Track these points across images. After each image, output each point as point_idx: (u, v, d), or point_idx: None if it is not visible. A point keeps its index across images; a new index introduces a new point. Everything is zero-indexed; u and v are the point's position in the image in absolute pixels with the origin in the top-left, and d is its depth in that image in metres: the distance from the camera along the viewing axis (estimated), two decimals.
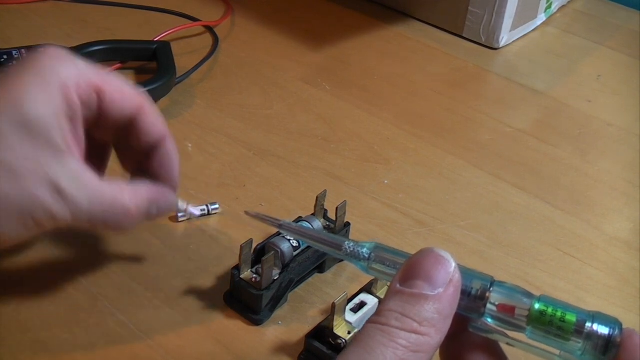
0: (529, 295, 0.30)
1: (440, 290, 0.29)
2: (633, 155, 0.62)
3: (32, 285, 0.44)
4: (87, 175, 0.37)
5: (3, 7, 0.72)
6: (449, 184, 0.56)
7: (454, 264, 0.30)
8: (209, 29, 0.73)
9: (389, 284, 0.31)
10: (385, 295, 0.30)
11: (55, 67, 0.37)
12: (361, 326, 0.41)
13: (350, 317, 0.41)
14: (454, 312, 0.29)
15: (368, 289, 0.43)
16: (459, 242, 0.51)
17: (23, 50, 0.59)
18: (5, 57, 0.57)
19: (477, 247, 0.50)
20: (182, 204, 0.46)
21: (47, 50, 0.38)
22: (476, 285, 0.30)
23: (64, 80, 0.37)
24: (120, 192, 0.39)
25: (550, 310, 0.29)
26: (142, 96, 0.41)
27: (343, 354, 0.28)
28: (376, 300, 0.42)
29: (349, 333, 0.40)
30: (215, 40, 0.70)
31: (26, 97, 0.35)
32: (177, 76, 0.63)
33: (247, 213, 0.38)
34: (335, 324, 0.40)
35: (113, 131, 0.41)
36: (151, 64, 0.64)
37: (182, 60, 0.65)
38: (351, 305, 0.42)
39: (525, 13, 0.76)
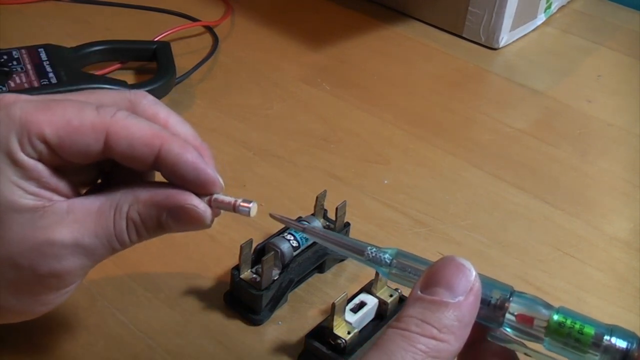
0: (548, 306, 0.30)
1: (461, 298, 0.29)
2: (633, 155, 0.62)
3: None
4: (78, 208, 0.33)
5: (3, 7, 0.72)
6: (449, 184, 0.56)
7: (474, 273, 0.30)
8: (209, 29, 0.73)
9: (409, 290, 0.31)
10: (406, 302, 0.30)
11: None
12: (361, 326, 0.42)
13: (350, 317, 0.41)
14: (473, 321, 0.29)
15: (368, 289, 0.43)
16: (459, 242, 0.51)
17: (23, 50, 0.59)
18: (5, 57, 0.57)
19: (477, 247, 0.51)
20: (229, 199, 0.36)
21: None
22: (496, 295, 0.31)
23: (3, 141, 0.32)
24: (119, 205, 0.34)
25: (568, 322, 0.30)
26: (105, 115, 0.33)
27: (363, 357, 0.28)
28: (376, 300, 0.42)
29: (349, 333, 0.40)
30: (215, 40, 0.71)
31: None
32: (177, 76, 0.63)
33: (271, 215, 0.38)
34: (335, 324, 0.40)
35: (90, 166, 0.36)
36: (151, 64, 0.64)
37: (182, 60, 0.65)
38: (351, 305, 0.42)
39: (525, 13, 0.76)
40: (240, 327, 0.43)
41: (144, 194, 0.34)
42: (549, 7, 0.80)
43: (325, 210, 0.48)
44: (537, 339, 0.30)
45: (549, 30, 0.80)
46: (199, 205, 0.34)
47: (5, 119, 0.32)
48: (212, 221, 0.35)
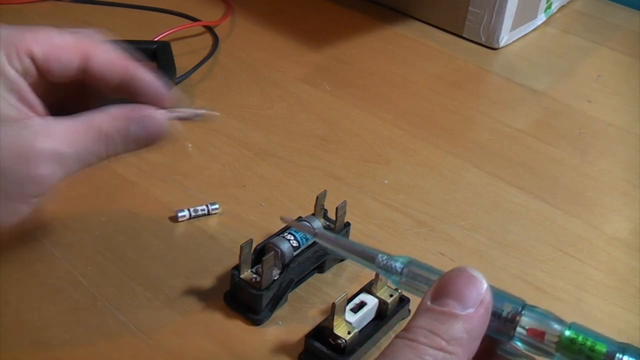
0: (560, 321, 0.30)
1: (471, 310, 0.29)
2: (633, 155, 0.62)
3: (32, 285, 0.44)
4: (54, 124, 0.37)
5: (3, 7, 0.72)
6: (449, 184, 0.56)
7: (485, 285, 0.30)
8: (209, 29, 0.73)
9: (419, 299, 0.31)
10: (416, 312, 0.30)
11: None
12: (361, 326, 0.42)
13: (350, 317, 0.41)
14: (483, 333, 0.29)
15: (368, 289, 0.43)
16: (459, 242, 0.51)
17: None
18: None
19: (477, 247, 0.50)
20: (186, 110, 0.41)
21: None
22: (507, 308, 0.30)
23: None
24: (91, 120, 0.38)
25: (580, 338, 0.29)
26: (84, 39, 0.39)
27: None
28: (376, 300, 0.42)
29: (349, 333, 0.40)
30: (215, 40, 0.71)
31: None
32: (177, 76, 0.63)
33: (282, 219, 0.38)
34: (335, 324, 0.40)
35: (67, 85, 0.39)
36: (151, 64, 0.64)
37: (182, 60, 0.65)
38: (351, 305, 0.42)
39: (525, 13, 0.76)
40: (240, 327, 0.43)
41: (115, 110, 0.39)
42: (549, 7, 0.80)
43: (325, 210, 0.48)
44: (547, 354, 0.30)
45: (549, 30, 0.80)
46: (157, 113, 0.40)
47: None
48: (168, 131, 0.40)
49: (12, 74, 0.36)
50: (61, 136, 0.37)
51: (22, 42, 0.37)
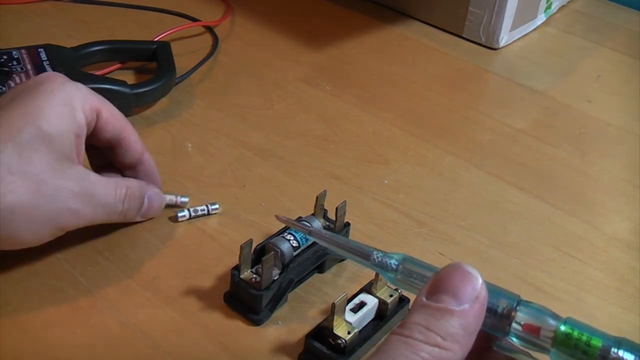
0: (555, 317, 0.30)
1: (466, 306, 0.29)
2: (633, 155, 0.62)
3: (32, 285, 0.44)
4: (95, 174, 0.44)
5: (3, 7, 0.72)
6: (449, 184, 0.56)
7: (481, 281, 0.30)
8: (209, 29, 0.73)
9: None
10: (411, 308, 0.30)
11: (64, 90, 0.43)
12: (361, 326, 0.42)
13: (350, 317, 0.41)
14: (478, 329, 0.29)
15: (368, 289, 0.43)
16: (459, 242, 0.51)
17: (23, 50, 0.59)
18: (5, 57, 0.57)
19: (477, 247, 0.50)
20: (172, 197, 0.50)
21: (50, 75, 0.44)
22: (502, 304, 0.30)
23: (73, 103, 0.43)
24: (123, 181, 0.46)
25: (576, 333, 0.29)
26: (126, 120, 0.47)
27: None
28: (376, 300, 0.42)
29: (349, 333, 0.40)
30: (215, 40, 0.71)
31: (44, 115, 0.41)
32: (177, 76, 0.63)
33: (277, 217, 0.38)
34: (335, 324, 0.40)
35: (101, 144, 0.47)
36: (151, 64, 0.64)
37: (182, 60, 0.65)
38: (351, 305, 0.42)
39: (525, 13, 0.76)
40: (240, 327, 0.43)
41: (136, 180, 0.47)
42: (549, 7, 0.80)
43: (325, 210, 0.48)
44: (543, 349, 0.30)
45: (549, 30, 0.80)
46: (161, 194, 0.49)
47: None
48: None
49: (83, 122, 0.43)
50: (96, 184, 0.43)
51: (95, 102, 0.44)
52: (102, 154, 0.48)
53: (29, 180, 0.40)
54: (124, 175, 0.49)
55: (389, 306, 0.43)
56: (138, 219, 0.48)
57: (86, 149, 0.46)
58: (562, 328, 0.30)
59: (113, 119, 0.45)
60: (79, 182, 0.42)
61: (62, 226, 0.42)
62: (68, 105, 0.42)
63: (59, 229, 0.42)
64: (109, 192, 0.44)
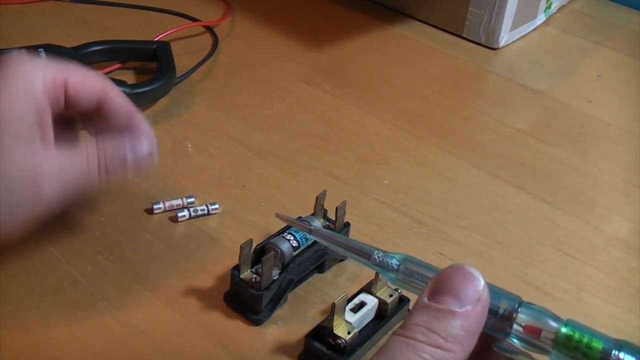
0: (556, 318, 0.30)
1: (468, 307, 0.29)
2: (633, 155, 0.62)
3: (32, 285, 0.44)
4: (57, 150, 0.41)
5: (3, 7, 0.72)
6: (449, 184, 0.56)
7: (483, 282, 0.30)
8: (209, 29, 0.73)
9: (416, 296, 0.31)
10: (413, 309, 0.30)
11: (22, 73, 0.41)
12: (361, 326, 0.42)
13: (350, 317, 0.41)
14: (480, 330, 0.29)
15: (368, 289, 0.43)
16: (459, 242, 0.51)
17: (23, 50, 0.59)
18: None
19: (477, 247, 0.50)
20: (178, 202, 0.50)
21: (11, 57, 0.42)
22: (504, 305, 0.30)
23: (31, 82, 0.40)
24: (89, 147, 0.42)
25: (577, 335, 0.29)
26: (105, 82, 0.44)
27: None
28: (376, 300, 0.42)
29: (349, 333, 0.40)
30: (215, 40, 0.71)
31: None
32: (177, 76, 0.63)
33: (277, 215, 0.38)
34: (335, 324, 0.40)
35: (80, 113, 0.44)
36: (151, 64, 0.64)
37: (182, 60, 0.65)
38: (351, 305, 0.42)
39: (525, 13, 0.76)
40: (240, 327, 0.43)
41: (110, 138, 0.43)
42: (549, 7, 0.80)
43: (325, 210, 0.48)
44: (544, 351, 0.30)
45: (549, 30, 0.80)
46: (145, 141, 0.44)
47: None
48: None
49: (42, 101, 0.41)
50: (64, 160, 0.41)
51: (58, 75, 0.42)
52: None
53: None
54: None
55: (389, 306, 0.43)
56: (133, 179, 0.45)
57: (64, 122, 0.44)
58: (563, 330, 0.30)
59: (84, 87, 0.42)
60: (41, 163, 0.40)
61: (33, 214, 0.40)
62: (24, 87, 0.40)
63: (29, 217, 0.40)
64: (78, 165, 0.41)
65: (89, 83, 0.43)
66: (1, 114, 0.39)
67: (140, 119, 0.45)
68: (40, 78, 0.41)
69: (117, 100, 0.44)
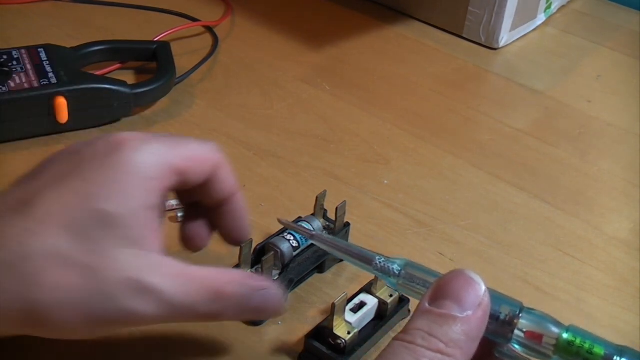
0: (557, 324, 0.30)
1: (469, 312, 0.29)
2: (633, 155, 0.62)
3: None
4: (168, 262, 0.35)
5: (3, 7, 0.72)
6: (449, 184, 0.56)
7: (484, 287, 0.30)
8: (209, 29, 0.73)
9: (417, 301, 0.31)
10: (413, 314, 0.30)
11: (134, 160, 0.34)
12: (361, 326, 0.42)
13: (350, 317, 0.41)
14: (481, 336, 0.29)
15: (368, 289, 0.43)
16: (459, 242, 0.51)
17: (23, 50, 0.59)
18: (5, 57, 0.57)
19: (477, 247, 0.50)
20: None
21: (122, 138, 0.35)
22: (505, 310, 0.31)
23: (144, 175, 0.34)
24: (213, 275, 0.35)
25: (578, 341, 0.29)
26: (217, 153, 0.38)
27: None
28: (376, 300, 0.42)
29: (349, 333, 0.40)
30: (215, 40, 0.71)
31: (104, 193, 0.33)
32: (177, 76, 0.63)
33: (279, 221, 0.38)
34: (335, 324, 0.40)
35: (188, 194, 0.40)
36: (151, 64, 0.64)
37: (182, 60, 0.65)
38: (351, 305, 0.42)
39: (525, 13, 0.76)
40: (240, 327, 0.43)
41: (236, 274, 0.38)
42: (549, 7, 0.80)
43: (325, 210, 0.48)
44: (545, 357, 0.30)
45: (549, 30, 0.80)
46: (276, 288, 0.38)
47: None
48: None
49: (157, 194, 0.35)
50: (172, 279, 0.34)
51: (174, 162, 0.36)
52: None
53: (83, 275, 0.32)
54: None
55: (389, 306, 0.43)
56: (243, 319, 0.41)
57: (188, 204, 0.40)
58: (565, 336, 0.30)
59: (200, 167, 0.37)
60: (147, 276, 0.33)
61: (121, 327, 0.36)
62: (137, 181, 0.34)
63: (114, 328, 0.37)
64: (187, 290, 0.34)
65: (204, 159, 0.38)
66: (101, 209, 0.33)
67: (242, 200, 0.40)
68: (155, 170, 0.35)
69: (225, 175, 0.39)
